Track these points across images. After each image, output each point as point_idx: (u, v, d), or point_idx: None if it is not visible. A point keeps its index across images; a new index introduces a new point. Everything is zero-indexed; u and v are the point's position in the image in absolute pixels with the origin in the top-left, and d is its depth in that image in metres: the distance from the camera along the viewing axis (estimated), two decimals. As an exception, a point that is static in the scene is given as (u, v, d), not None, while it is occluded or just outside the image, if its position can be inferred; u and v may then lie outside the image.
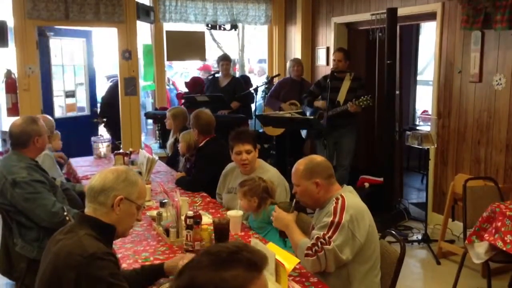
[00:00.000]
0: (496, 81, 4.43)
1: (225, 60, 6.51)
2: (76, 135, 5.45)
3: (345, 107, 5.22)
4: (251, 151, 3.28)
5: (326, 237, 2.28)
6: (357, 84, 5.39)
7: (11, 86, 5.83)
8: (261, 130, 6.67)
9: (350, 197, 2.45)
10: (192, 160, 4.25)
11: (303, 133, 5.97)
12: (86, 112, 6.72)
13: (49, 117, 4.49)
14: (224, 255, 1.18)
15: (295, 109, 6.05)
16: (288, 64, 6.55)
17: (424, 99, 7.65)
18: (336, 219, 2.31)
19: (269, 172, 3.26)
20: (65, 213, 2.90)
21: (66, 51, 6.44)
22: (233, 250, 1.19)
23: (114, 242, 2.03)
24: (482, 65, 4.56)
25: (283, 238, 2.68)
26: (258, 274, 1.18)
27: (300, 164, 2.56)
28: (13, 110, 5.82)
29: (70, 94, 6.54)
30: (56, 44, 6.26)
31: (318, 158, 2.62)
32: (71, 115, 6.54)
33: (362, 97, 5.06)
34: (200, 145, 4.04)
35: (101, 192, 1.91)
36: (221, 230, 2.60)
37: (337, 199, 2.42)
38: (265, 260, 1.22)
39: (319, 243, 2.29)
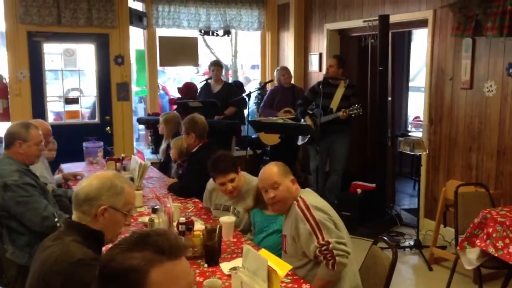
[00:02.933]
0: (487, 88, 4.47)
1: (215, 65, 6.52)
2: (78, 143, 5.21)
3: (336, 115, 5.22)
4: (235, 178, 3.11)
5: (321, 242, 2.35)
6: (351, 91, 5.39)
7: (2, 91, 5.80)
8: (253, 136, 6.67)
9: (308, 195, 2.55)
10: (184, 166, 4.24)
11: (300, 138, 5.94)
12: (96, 120, 6.38)
13: (45, 122, 4.28)
14: (135, 236, 1.19)
15: (289, 116, 6.06)
16: (275, 74, 6.57)
17: (416, 105, 7.69)
18: (312, 221, 2.39)
19: (255, 182, 3.22)
20: (56, 219, 2.88)
21: (77, 56, 6.27)
22: (146, 233, 1.20)
23: (105, 248, 2.01)
24: (473, 72, 4.59)
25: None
26: (163, 259, 1.14)
27: (273, 165, 2.61)
28: (4, 115, 5.78)
29: (72, 101, 6.30)
30: (56, 49, 6.20)
31: (279, 162, 2.67)
32: (71, 122, 6.24)
33: (352, 106, 5.08)
34: (193, 150, 4.03)
35: (85, 202, 1.88)
36: (214, 236, 2.59)
37: (297, 201, 2.50)
38: (177, 249, 1.16)
39: (324, 252, 2.34)
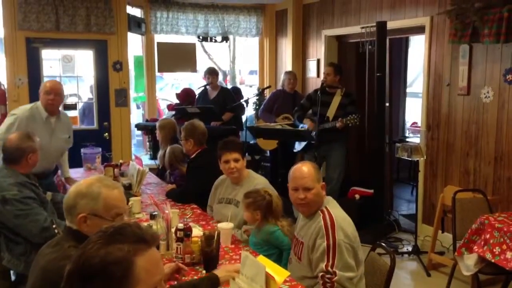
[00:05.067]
0: (484, 94, 4.49)
1: (210, 73, 6.51)
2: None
3: (333, 124, 5.21)
4: (239, 159, 3.30)
5: (329, 268, 2.29)
6: (348, 100, 5.37)
7: (0, 97, 5.79)
8: (252, 142, 6.68)
9: (335, 210, 2.50)
10: (174, 174, 4.29)
11: (298, 147, 5.94)
12: (94, 126, 6.40)
13: (57, 81, 4.35)
14: (110, 230, 1.21)
15: (287, 122, 6.07)
16: (282, 77, 6.56)
17: (414, 111, 7.71)
18: (331, 241, 2.33)
19: (257, 181, 3.28)
20: (54, 226, 2.88)
21: (75, 62, 6.29)
22: (120, 226, 1.23)
23: None
24: (470, 78, 4.61)
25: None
26: (145, 247, 1.20)
27: (309, 167, 2.54)
28: (2, 121, 5.77)
29: (71, 107, 6.32)
30: (54, 55, 6.20)
31: (314, 164, 2.66)
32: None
33: (350, 116, 5.05)
34: (192, 156, 4.04)
35: (67, 211, 1.89)
36: (212, 242, 2.59)
37: (322, 211, 2.46)
38: (154, 237, 1.24)
39: (326, 279, 2.29)
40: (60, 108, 4.24)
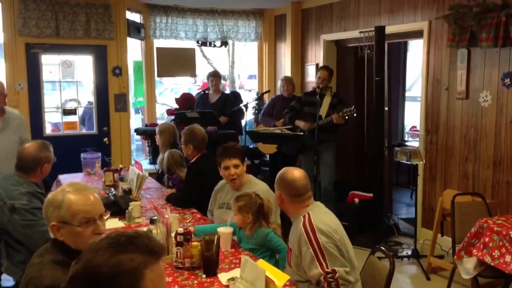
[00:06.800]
0: (483, 98, 4.51)
1: (214, 76, 6.53)
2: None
3: (329, 119, 5.24)
4: (239, 165, 3.30)
5: (326, 269, 2.33)
6: (336, 100, 5.48)
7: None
8: (251, 146, 6.69)
9: (316, 215, 2.50)
10: (173, 178, 4.29)
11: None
12: (94, 131, 6.39)
13: None
14: (123, 239, 1.20)
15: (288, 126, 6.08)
16: (279, 83, 6.59)
17: (413, 115, 7.73)
18: (315, 246, 2.36)
19: (258, 187, 3.29)
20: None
21: (75, 67, 6.26)
22: (132, 235, 1.22)
23: None
24: (469, 82, 4.63)
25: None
26: (155, 260, 1.20)
27: (279, 172, 2.69)
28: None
29: (70, 112, 6.33)
30: (54, 60, 6.20)
31: (291, 174, 2.64)
32: (69, 133, 6.23)
33: (346, 108, 5.10)
34: (192, 161, 4.05)
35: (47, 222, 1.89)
36: (212, 246, 2.60)
37: (304, 217, 2.49)
38: (162, 249, 1.24)
39: (329, 279, 2.32)
40: (8, 108, 4.03)
